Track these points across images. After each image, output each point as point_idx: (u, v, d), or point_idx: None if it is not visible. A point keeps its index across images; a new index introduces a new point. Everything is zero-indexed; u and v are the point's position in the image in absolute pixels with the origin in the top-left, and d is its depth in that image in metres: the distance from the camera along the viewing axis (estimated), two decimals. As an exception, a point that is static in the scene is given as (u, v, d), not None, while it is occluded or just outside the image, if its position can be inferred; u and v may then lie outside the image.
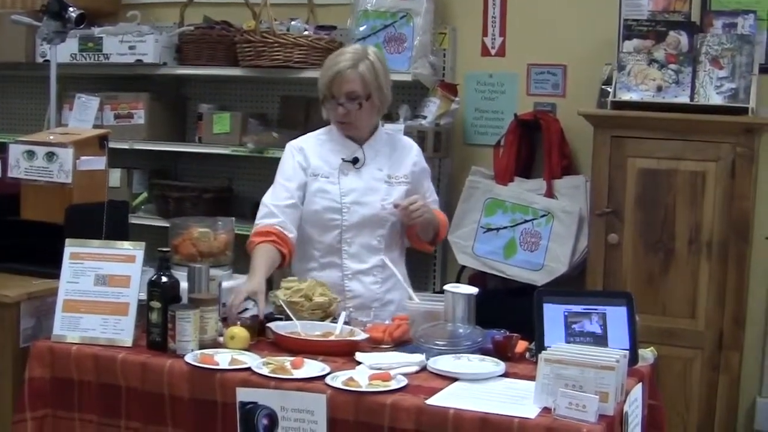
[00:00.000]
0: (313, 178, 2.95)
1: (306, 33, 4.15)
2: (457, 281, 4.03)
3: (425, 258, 4.23)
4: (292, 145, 3.02)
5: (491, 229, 3.96)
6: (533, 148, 4.15)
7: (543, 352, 2.18)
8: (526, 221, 3.90)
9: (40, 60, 4.62)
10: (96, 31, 4.49)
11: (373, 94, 2.88)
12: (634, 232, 3.59)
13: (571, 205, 3.87)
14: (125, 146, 4.38)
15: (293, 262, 2.97)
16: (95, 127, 4.09)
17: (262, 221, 2.90)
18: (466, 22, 4.26)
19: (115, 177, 4.42)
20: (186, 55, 4.40)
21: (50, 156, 2.96)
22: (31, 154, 2.99)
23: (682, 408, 3.54)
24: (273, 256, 2.81)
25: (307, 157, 2.97)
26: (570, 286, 3.80)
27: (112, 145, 3.16)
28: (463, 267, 4.07)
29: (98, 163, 3.04)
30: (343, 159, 2.95)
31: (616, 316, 2.39)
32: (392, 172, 2.97)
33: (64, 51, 4.29)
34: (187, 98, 4.81)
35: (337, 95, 2.86)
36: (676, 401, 3.52)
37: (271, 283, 3.31)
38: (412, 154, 3.06)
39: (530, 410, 2.09)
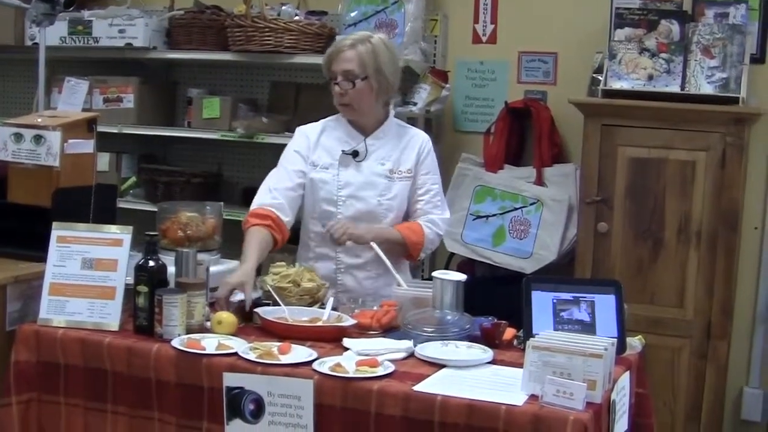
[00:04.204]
0: (313, 168, 2.93)
1: (297, 18, 4.13)
2: (446, 268, 4.02)
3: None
4: (300, 131, 3.02)
5: (480, 217, 3.96)
6: (523, 135, 4.14)
7: (531, 339, 2.17)
8: (515, 209, 3.90)
9: (29, 43, 4.58)
10: (85, 14, 4.46)
11: (371, 75, 2.84)
12: (623, 220, 3.59)
13: (561, 194, 3.87)
14: (114, 130, 4.35)
15: (298, 250, 3.03)
16: (84, 110, 4.07)
17: (261, 200, 2.91)
18: (458, 9, 4.25)
19: (104, 161, 4.39)
20: (176, 39, 4.38)
21: (38, 139, 2.94)
22: (18, 137, 2.97)
23: (669, 397, 3.55)
24: (266, 240, 2.80)
25: (311, 146, 2.96)
26: (559, 275, 3.80)
27: (101, 128, 3.13)
28: (452, 254, 4.07)
29: (86, 146, 3.02)
30: (343, 151, 2.92)
31: (605, 304, 2.39)
32: (395, 166, 2.92)
33: (54, 34, 4.26)
34: (177, 82, 4.78)
35: (335, 76, 2.86)
36: (663, 390, 3.53)
37: (261, 269, 3.31)
38: (417, 147, 2.95)
39: (517, 397, 2.09)
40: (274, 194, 2.90)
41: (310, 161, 2.94)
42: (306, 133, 2.99)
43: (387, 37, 3.04)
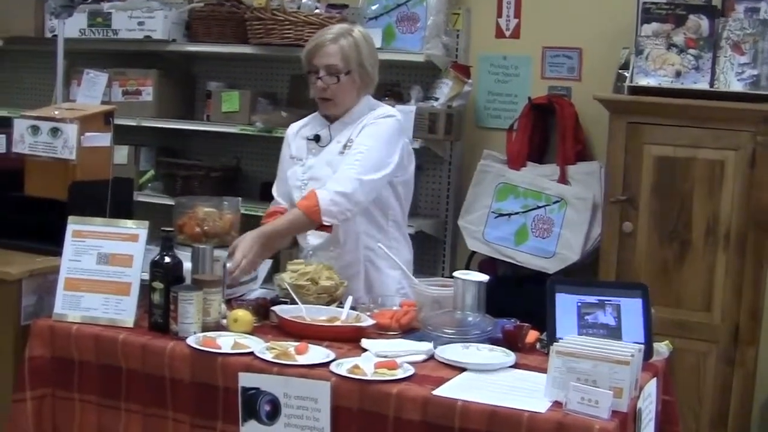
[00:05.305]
0: (292, 161, 2.98)
1: (317, 11, 4.08)
2: (467, 267, 3.97)
3: (435, 243, 4.19)
4: (286, 133, 3.08)
5: (503, 215, 3.89)
6: (547, 132, 4.08)
7: (555, 344, 2.11)
8: (538, 207, 3.84)
9: (49, 35, 4.57)
10: (105, 6, 4.45)
11: (354, 70, 2.83)
12: (649, 221, 3.52)
13: (585, 192, 3.80)
14: (133, 123, 4.33)
15: None
16: (103, 103, 4.04)
17: (271, 204, 3.07)
18: (481, 3, 4.19)
19: (122, 154, 4.37)
20: (195, 32, 4.35)
21: (55, 131, 2.91)
22: (35, 130, 2.94)
23: (694, 402, 3.48)
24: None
25: (291, 145, 3.02)
26: (582, 275, 3.74)
27: (119, 121, 3.11)
28: (473, 252, 4.01)
29: (103, 139, 2.98)
30: (307, 138, 2.94)
31: (631, 307, 2.32)
32: (348, 140, 2.86)
33: (73, 26, 4.25)
34: (196, 75, 4.76)
35: (316, 69, 2.84)
36: (688, 395, 3.45)
37: (278, 265, 3.28)
38: (368, 118, 2.85)
39: (540, 404, 2.02)
40: (277, 200, 3.04)
41: (289, 158, 3.00)
42: (288, 132, 3.06)
43: (365, 29, 3.02)
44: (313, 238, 2.91)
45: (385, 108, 2.95)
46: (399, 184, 2.92)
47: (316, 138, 2.91)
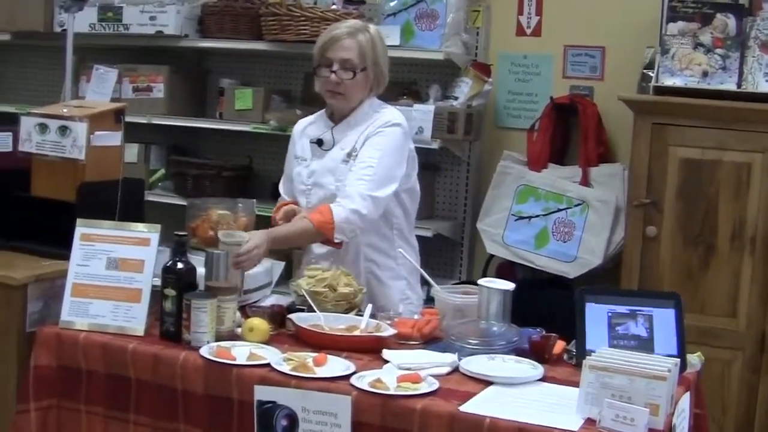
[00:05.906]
0: (296, 161, 2.93)
1: (334, 7, 4.01)
2: (485, 271, 3.89)
3: (452, 246, 4.10)
4: (293, 130, 3.02)
5: (523, 218, 3.80)
6: (568, 133, 3.99)
7: (587, 357, 2.01)
8: (559, 210, 3.75)
9: (58, 29, 4.50)
10: (116, 0, 4.37)
11: (369, 67, 2.77)
12: (673, 224, 3.43)
13: (608, 195, 3.71)
14: (143, 120, 4.26)
15: None
16: (113, 99, 3.99)
17: (279, 200, 3.05)
18: (501, 0, 4.09)
19: (133, 152, 4.31)
20: (208, 28, 4.28)
21: (63, 130, 2.82)
22: (43, 128, 2.85)
23: (718, 412, 3.38)
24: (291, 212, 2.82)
25: (295, 141, 2.97)
26: (604, 280, 3.67)
27: (130, 119, 3.02)
28: (492, 256, 3.92)
29: (113, 138, 2.89)
30: (310, 141, 2.87)
31: (664, 318, 2.24)
32: (353, 150, 2.78)
33: (83, 21, 4.19)
34: (209, 72, 4.69)
35: (329, 63, 2.76)
36: (713, 405, 3.35)
37: (291, 268, 3.20)
38: (376, 126, 2.77)
39: (572, 421, 1.93)
40: (283, 197, 3.01)
41: (294, 156, 2.95)
42: (295, 130, 3.01)
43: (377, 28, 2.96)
44: (317, 246, 2.84)
45: (390, 113, 2.84)
46: (402, 192, 2.84)
47: (319, 142, 2.85)
